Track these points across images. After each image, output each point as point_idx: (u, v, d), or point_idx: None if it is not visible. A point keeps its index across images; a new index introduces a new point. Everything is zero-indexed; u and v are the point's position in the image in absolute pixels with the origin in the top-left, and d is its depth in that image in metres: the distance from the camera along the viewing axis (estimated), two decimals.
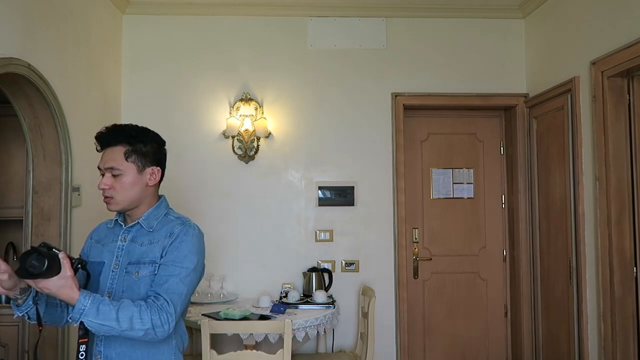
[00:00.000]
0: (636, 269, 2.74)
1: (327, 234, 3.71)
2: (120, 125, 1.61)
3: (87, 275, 1.50)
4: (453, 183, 3.93)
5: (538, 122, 3.62)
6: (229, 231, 3.66)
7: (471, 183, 3.94)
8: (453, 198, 3.93)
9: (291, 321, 2.36)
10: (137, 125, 1.62)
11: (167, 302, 1.45)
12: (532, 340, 3.66)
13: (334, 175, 3.73)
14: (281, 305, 3.12)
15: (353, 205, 3.71)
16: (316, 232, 3.71)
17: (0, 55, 2.22)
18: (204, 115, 3.70)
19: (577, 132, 3.08)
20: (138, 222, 1.59)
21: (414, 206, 3.88)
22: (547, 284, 3.49)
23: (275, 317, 2.88)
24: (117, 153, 1.56)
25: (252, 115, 3.66)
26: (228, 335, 2.71)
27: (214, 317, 2.81)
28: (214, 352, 2.38)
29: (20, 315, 1.46)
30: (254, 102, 3.69)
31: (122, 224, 1.63)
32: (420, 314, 3.86)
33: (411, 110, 3.82)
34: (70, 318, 1.35)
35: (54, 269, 1.32)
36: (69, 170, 2.81)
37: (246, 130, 3.65)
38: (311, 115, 3.74)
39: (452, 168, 3.93)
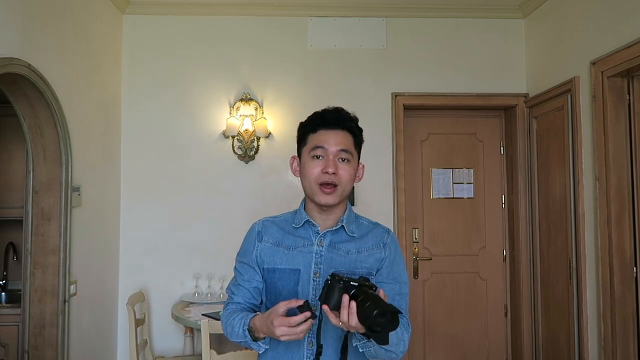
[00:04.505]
0: (636, 269, 2.74)
1: None
2: (343, 109, 1.48)
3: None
4: (453, 183, 3.93)
5: (538, 122, 3.62)
6: (229, 231, 3.65)
7: (471, 183, 3.94)
8: (453, 198, 3.93)
9: None
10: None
11: (408, 320, 1.43)
12: (532, 340, 3.66)
13: None
14: None
15: (353, 205, 3.71)
16: None
17: (0, 55, 2.22)
18: (204, 116, 3.70)
19: (577, 132, 3.08)
20: (342, 225, 1.44)
21: (414, 206, 3.88)
22: (547, 284, 3.49)
23: None
24: (347, 137, 1.45)
25: (252, 115, 3.66)
26: None
27: (214, 317, 2.81)
28: (214, 352, 2.38)
29: (256, 349, 1.39)
30: (254, 102, 3.69)
31: (315, 224, 1.45)
32: (420, 314, 3.86)
33: (411, 110, 3.82)
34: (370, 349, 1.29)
35: None
36: (69, 170, 2.80)
37: (246, 130, 3.65)
38: None
39: (452, 168, 3.93)
